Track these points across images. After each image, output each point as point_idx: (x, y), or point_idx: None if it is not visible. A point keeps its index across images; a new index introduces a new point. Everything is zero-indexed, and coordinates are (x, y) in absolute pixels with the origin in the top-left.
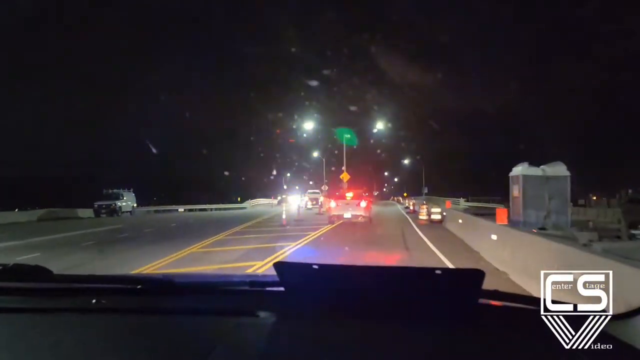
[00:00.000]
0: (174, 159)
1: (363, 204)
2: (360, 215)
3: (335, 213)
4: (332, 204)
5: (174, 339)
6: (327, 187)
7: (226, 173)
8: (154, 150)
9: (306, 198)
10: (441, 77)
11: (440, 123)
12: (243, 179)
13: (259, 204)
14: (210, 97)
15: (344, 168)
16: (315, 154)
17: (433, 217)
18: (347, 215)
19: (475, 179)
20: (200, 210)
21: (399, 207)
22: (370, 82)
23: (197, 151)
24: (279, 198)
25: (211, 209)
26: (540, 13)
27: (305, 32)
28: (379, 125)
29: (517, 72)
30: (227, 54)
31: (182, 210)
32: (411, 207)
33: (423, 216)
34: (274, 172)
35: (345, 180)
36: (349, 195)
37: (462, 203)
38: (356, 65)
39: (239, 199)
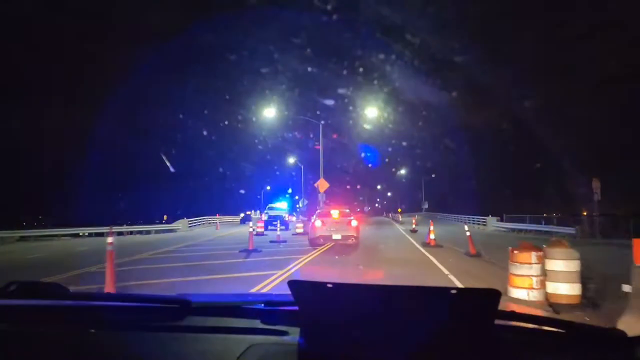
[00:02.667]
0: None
1: (354, 222)
2: (352, 235)
3: (322, 234)
4: (318, 222)
5: (190, 358)
6: (306, 201)
7: (242, 191)
8: (172, 169)
9: (259, 217)
10: (454, 93)
11: (450, 137)
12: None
13: (207, 223)
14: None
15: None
16: (292, 160)
17: (561, 291)
18: (337, 236)
19: (485, 195)
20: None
21: (400, 228)
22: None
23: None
24: (242, 215)
25: (130, 232)
26: (556, 28)
27: (321, 51)
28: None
29: (533, 89)
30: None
31: (86, 234)
32: (429, 235)
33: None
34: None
35: (322, 189)
36: (335, 212)
37: (492, 223)
38: (372, 84)
39: (164, 217)
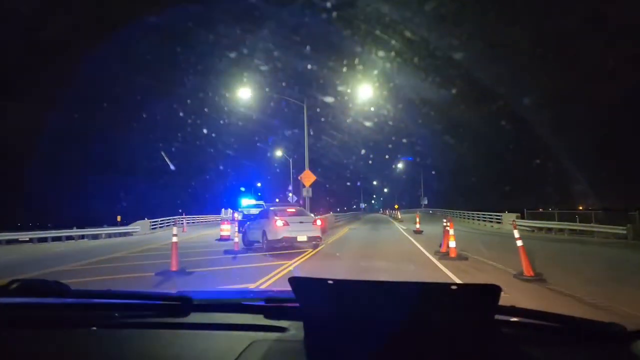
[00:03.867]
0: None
1: (319, 222)
2: (318, 236)
3: (286, 235)
4: (279, 222)
5: (191, 355)
6: (295, 198)
7: (242, 189)
8: (172, 167)
9: (230, 216)
10: (454, 91)
11: (449, 133)
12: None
13: (179, 223)
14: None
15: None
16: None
17: None
18: (302, 237)
19: (484, 191)
20: (54, 238)
21: (400, 227)
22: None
23: None
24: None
25: (69, 237)
26: (556, 24)
27: (320, 48)
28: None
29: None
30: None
31: (27, 239)
32: (446, 241)
33: None
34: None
35: (307, 183)
36: (291, 210)
37: (509, 221)
38: (371, 80)
39: (118, 218)
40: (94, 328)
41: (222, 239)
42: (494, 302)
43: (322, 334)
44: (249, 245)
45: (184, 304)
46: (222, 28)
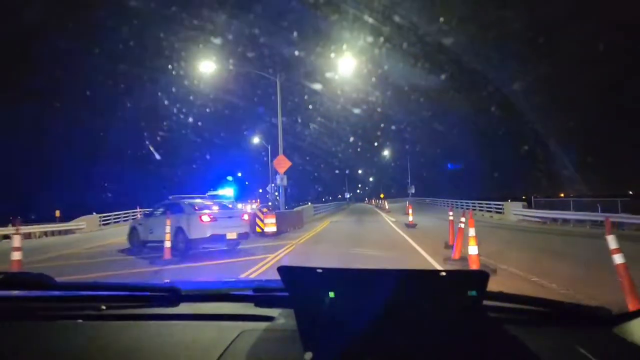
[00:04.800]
0: None
1: (246, 216)
2: (246, 232)
3: (214, 232)
4: (205, 217)
5: (180, 345)
6: (275, 188)
7: (229, 178)
8: (157, 156)
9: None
10: (443, 77)
11: (438, 120)
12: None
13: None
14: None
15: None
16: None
17: None
18: (232, 234)
19: (472, 179)
20: None
21: (388, 220)
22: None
23: None
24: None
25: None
26: (544, 11)
27: (307, 34)
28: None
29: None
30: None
31: None
32: (458, 243)
33: None
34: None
35: (281, 170)
36: (210, 202)
37: (513, 211)
38: (361, 67)
39: (57, 213)
40: (80, 321)
41: None
42: (482, 288)
43: (312, 322)
44: (140, 246)
45: (172, 294)
46: (206, 12)
